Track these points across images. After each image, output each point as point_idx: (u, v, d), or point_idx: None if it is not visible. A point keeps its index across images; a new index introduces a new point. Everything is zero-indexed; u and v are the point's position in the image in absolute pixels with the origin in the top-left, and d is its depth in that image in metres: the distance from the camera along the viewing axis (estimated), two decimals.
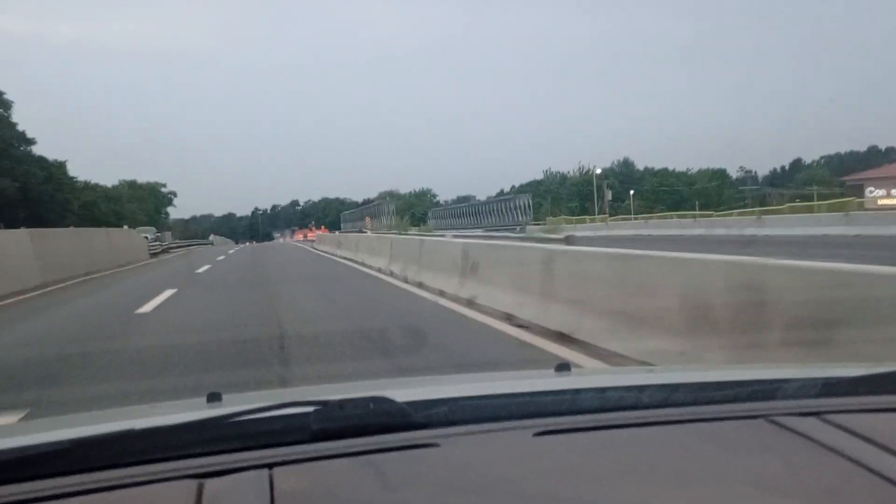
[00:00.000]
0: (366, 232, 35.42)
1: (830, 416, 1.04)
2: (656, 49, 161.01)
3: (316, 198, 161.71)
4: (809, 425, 1.02)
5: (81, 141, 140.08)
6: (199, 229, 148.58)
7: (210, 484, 0.88)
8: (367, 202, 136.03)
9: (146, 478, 0.90)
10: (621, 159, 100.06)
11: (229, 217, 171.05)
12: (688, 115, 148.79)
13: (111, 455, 0.94)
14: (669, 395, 1.17)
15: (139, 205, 72.40)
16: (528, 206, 35.40)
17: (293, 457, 0.95)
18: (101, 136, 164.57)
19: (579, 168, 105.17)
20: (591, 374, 2.15)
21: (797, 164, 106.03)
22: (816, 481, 0.88)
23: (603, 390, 1.25)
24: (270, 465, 0.92)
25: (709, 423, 1.06)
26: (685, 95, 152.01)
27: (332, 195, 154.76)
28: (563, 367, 1.50)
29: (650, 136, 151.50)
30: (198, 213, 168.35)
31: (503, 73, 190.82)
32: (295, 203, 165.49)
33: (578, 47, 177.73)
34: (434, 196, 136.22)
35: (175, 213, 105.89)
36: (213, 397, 1.29)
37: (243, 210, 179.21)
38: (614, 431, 1.04)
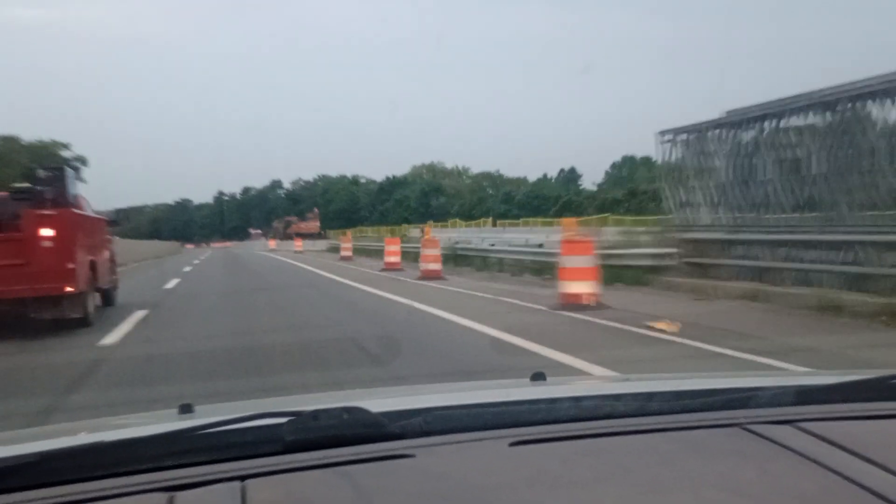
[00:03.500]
0: None
1: (804, 424, 1.05)
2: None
3: (308, 175, 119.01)
4: (784, 433, 1.03)
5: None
6: (143, 222, 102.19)
7: (181, 497, 0.87)
8: (394, 180, 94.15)
9: (116, 491, 0.88)
10: None
11: (184, 205, 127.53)
12: None
13: (80, 468, 0.92)
14: (645, 404, 1.17)
15: None
16: None
17: (266, 469, 0.93)
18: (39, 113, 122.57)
19: None
20: (566, 384, 2.06)
21: None
22: (791, 489, 0.89)
23: (579, 399, 1.25)
24: (243, 478, 0.91)
25: (684, 431, 1.06)
26: None
27: (332, 172, 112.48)
28: (539, 376, 1.48)
29: None
30: (149, 202, 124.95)
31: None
32: (277, 184, 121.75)
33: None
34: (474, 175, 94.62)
35: (108, 199, 65.02)
36: (185, 409, 1.26)
37: (204, 195, 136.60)
38: (590, 440, 1.04)
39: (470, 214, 65.31)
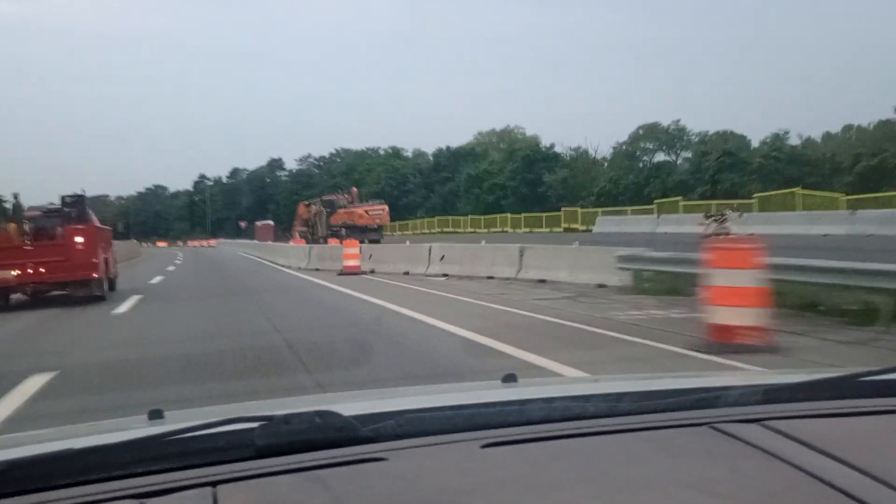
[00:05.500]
0: None
1: (772, 423, 1.07)
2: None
3: (322, 150, 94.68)
4: (752, 432, 1.04)
5: None
6: (108, 216, 72.24)
7: None
8: (454, 151, 71.12)
9: (86, 499, 0.88)
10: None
11: (157, 193, 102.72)
12: None
13: (49, 476, 0.92)
14: (615, 405, 1.18)
15: None
16: None
17: (237, 474, 0.93)
18: None
19: None
20: (537, 385, 2.07)
21: None
22: (759, 486, 0.90)
23: (549, 400, 1.25)
24: (214, 483, 0.91)
25: (654, 431, 1.07)
26: None
27: (353, 146, 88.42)
28: (510, 377, 1.49)
29: None
30: (121, 192, 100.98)
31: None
32: (277, 164, 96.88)
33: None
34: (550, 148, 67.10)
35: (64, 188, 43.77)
36: (155, 414, 1.26)
37: (182, 181, 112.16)
38: (562, 441, 1.04)
39: (645, 196, 41.95)
